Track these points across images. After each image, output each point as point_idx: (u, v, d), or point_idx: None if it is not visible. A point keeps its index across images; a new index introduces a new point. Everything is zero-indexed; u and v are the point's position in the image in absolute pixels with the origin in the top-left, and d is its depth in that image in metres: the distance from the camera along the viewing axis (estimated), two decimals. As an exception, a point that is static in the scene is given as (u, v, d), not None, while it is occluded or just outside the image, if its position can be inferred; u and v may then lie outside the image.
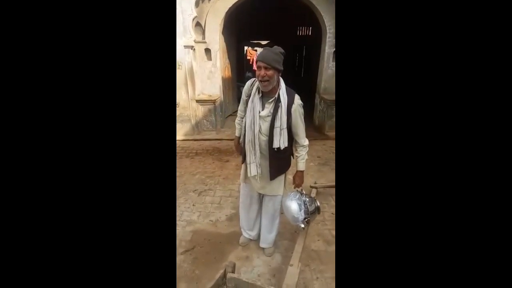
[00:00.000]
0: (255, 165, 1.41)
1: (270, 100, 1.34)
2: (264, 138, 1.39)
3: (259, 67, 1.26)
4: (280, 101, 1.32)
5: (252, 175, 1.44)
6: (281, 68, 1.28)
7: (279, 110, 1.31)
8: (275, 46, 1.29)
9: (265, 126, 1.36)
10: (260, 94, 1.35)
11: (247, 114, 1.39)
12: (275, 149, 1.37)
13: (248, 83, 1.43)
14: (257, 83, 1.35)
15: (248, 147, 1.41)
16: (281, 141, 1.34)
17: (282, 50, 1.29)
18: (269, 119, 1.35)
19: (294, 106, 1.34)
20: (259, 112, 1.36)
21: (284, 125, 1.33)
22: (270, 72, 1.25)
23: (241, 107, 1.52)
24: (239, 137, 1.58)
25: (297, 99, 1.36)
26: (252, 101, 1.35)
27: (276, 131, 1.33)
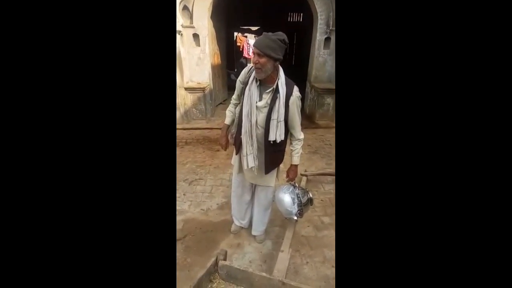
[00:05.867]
0: (252, 156, 1.36)
1: (268, 90, 1.28)
2: (260, 130, 1.34)
3: (254, 53, 1.22)
4: (278, 92, 1.26)
5: (249, 167, 1.38)
6: (277, 56, 1.20)
7: (277, 102, 1.26)
8: (278, 32, 1.21)
9: (261, 117, 1.31)
10: (258, 83, 1.29)
11: (244, 102, 1.32)
12: (271, 142, 1.32)
13: (245, 70, 1.37)
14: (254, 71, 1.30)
15: (244, 138, 1.35)
16: (277, 134, 1.29)
17: (283, 38, 1.20)
18: (265, 110, 1.29)
19: (292, 98, 1.29)
20: (256, 102, 1.29)
21: (282, 118, 1.28)
22: (263, 60, 1.19)
23: (235, 95, 1.45)
24: (228, 126, 1.54)
25: (295, 91, 1.31)
26: (249, 89, 1.29)
27: (273, 123, 1.28)
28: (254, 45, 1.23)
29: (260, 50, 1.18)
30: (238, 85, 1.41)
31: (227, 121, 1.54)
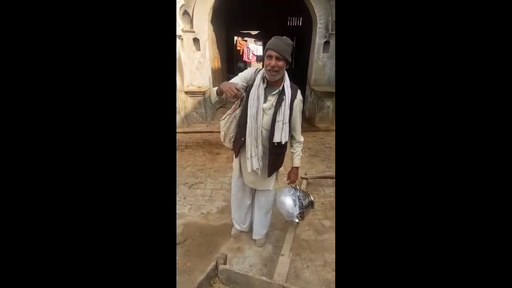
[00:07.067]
0: (256, 158, 1.36)
1: (274, 93, 1.30)
2: (263, 132, 1.34)
3: (269, 56, 1.21)
4: (284, 94, 1.28)
5: (254, 169, 1.37)
6: (290, 59, 1.25)
7: (283, 104, 1.28)
8: (285, 37, 1.24)
9: (266, 119, 1.32)
10: (265, 85, 1.30)
11: (250, 104, 1.29)
12: (275, 144, 1.34)
13: (251, 71, 1.36)
14: (260, 73, 1.30)
15: (249, 140, 1.33)
16: (282, 136, 1.31)
17: (292, 42, 1.25)
18: (270, 112, 1.31)
19: (296, 101, 1.33)
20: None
21: (287, 119, 1.30)
22: (281, 63, 1.21)
23: (237, 81, 1.33)
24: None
25: (299, 94, 1.34)
26: (257, 92, 1.29)
27: (278, 125, 1.30)
28: (271, 48, 1.20)
29: (279, 54, 1.20)
30: (241, 80, 1.34)
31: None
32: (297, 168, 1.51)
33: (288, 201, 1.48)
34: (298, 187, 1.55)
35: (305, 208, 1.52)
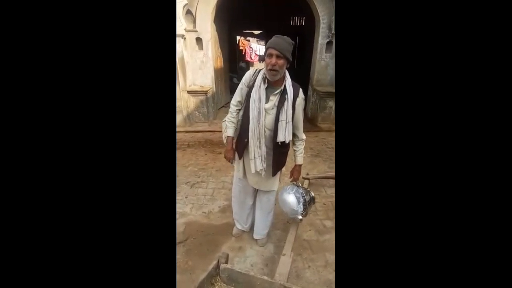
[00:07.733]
0: (260, 159, 1.36)
1: (276, 92, 1.30)
2: (266, 132, 1.34)
3: (270, 55, 1.21)
4: (286, 93, 1.28)
5: (258, 169, 1.38)
6: (291, 58, 1.25)
7: (285, 103, 1.28)
8: (285, 36, 1.24)
9: (269, 119, 1.32)
10: (266, 85, 1.29)
11: (251, 106, 1.29)
12: (279, 144, 1.34)
13: (250, 73, 1.37)
14: (261, 73, 1.30)
15: (252, 141, 1.33)
16: (286, 135, 1.31)
17: (292, 41, 1.25)
18: (273, 111, 1.31)
19: (298, 100, 1.33)
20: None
21: (290, 118, 1.30)
22: (281, 62, 1.21)
23: (235, 102, 1.40)
24: (233, 138, 1.44)
25: (301, 93, 1.35)
26: (258, 92, 1.28)
27: (282, 124, 1.30)
28: (272, 47, 1.20)
29: (280, 52, 1.20)
30: (242, 89, 1.38)
31: (231, 133, 1.43)
32: (300, 165, 1.52)
33: (292, 199, 1.50)
34: (300, 184, 1.57)
35: (308, 204, 1.53)
